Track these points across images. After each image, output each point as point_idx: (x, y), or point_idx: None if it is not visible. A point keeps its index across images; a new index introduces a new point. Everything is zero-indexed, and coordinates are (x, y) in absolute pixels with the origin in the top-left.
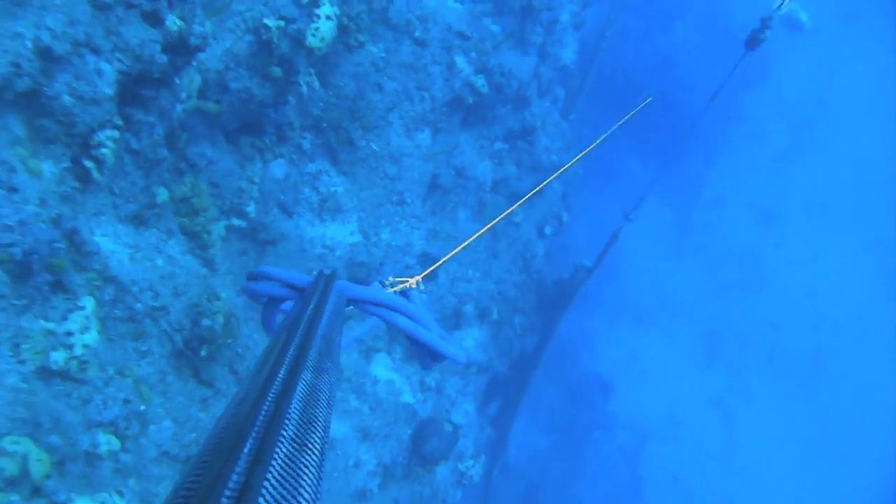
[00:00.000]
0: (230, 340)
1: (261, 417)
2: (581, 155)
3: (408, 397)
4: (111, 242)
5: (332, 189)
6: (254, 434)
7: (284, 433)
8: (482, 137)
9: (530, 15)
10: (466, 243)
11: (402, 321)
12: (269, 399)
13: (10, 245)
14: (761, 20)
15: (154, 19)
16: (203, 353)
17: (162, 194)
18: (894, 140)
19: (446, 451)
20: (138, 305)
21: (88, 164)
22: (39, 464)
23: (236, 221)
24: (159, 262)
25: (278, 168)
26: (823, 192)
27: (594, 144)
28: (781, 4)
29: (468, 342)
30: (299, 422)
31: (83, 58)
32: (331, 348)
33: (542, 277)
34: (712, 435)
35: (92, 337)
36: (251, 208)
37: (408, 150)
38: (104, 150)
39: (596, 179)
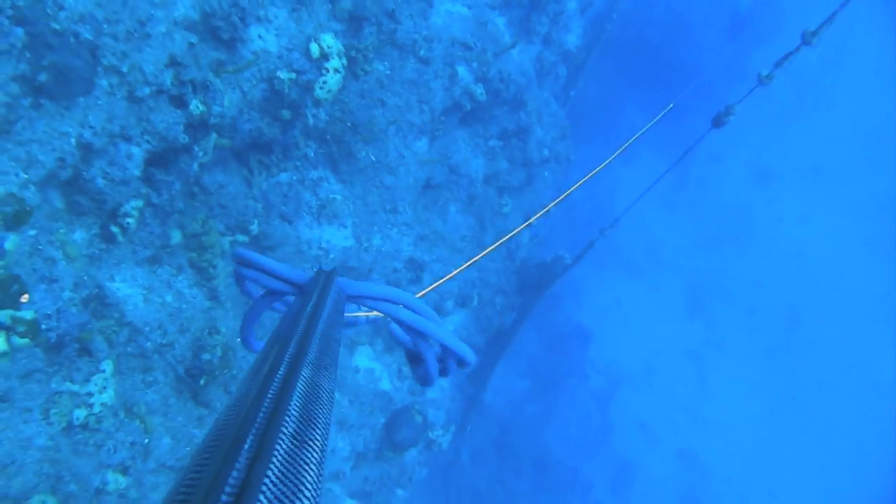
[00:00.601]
0: (226, 370)
1: (261, 414)
2: (587, 178)
3: (386, 385)
4: (128, 287)
5: (332, 196)
6: (254, 431)
7: (285, 430)
8: (478, 136)
9: (537, 6)
10: (473, 261)
11: (404, 314)
12: (270, 396)
13: (48, 331)
14: (726, 106)
15: (179, 102)
16: (202, 381)
17: (176, 236)
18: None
19: (416, 440)
20: (148, 344)
21: (115, 229)
22: None
23: (241, 237)
24: (169, 298)
25: (283, 175)
26: (820, 153)
27: (601, 167)
28: (769, 74)
29: (448, 326)
30: (299, 418)
31: (117, 146)
32: (330, 345)
33: (526, 259)
34: (684, 385)
35: (109, 396)
36: (255, 226)
37: (405, 159)
38: (129, 219)
39: (596, 132)
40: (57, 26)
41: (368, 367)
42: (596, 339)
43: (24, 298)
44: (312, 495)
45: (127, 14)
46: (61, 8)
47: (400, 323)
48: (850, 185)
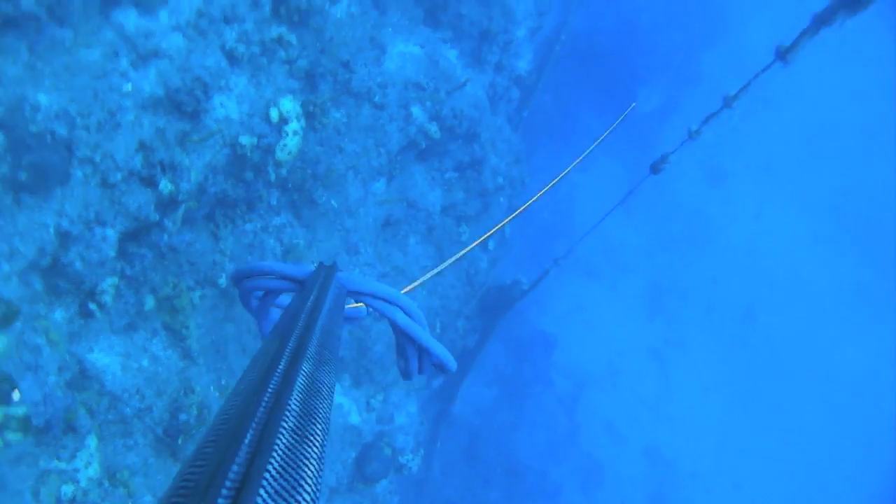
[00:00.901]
0: (203, 427)
1: (261, 409)
2: (545, 189)
3: (355, 418)
4: (106, 356)
5: (295, 241)
6: (254, 425)
7: (285, 424)
8: (434, 169)
9: (488, 37)
10: (440, 269)
11: (400, 317)
12: (270, 390)
13: (37, 416)
14: (662, 155)
15: (150, 182)
16: (179, 441)
17: (149, 302)
18: (845, 103)
19: (386, 471)
20: (127, 410)
21: (93, 306)
22: None
23: (209, 291)
24: (145, 362)
25: (248, 226)
26: (770, 151)
27: (556, 179)
28: (698, 130)
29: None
30: (300, 413)
31: (92, 231)
32: (331, 339)
33: (485, 283)
34: (647, 384)
35: (94, 469)
36: (223, 280)
37: (364, 201)
38: (106, 296)
39: (554, 140)
40: (34, 129)
41: (337, 402)
42: (559, 344)
43: (16, 395)
44: (312, 489)
45: (98, 106)
46: (37, 110)
47: (394, 324)
48: (800, 183)
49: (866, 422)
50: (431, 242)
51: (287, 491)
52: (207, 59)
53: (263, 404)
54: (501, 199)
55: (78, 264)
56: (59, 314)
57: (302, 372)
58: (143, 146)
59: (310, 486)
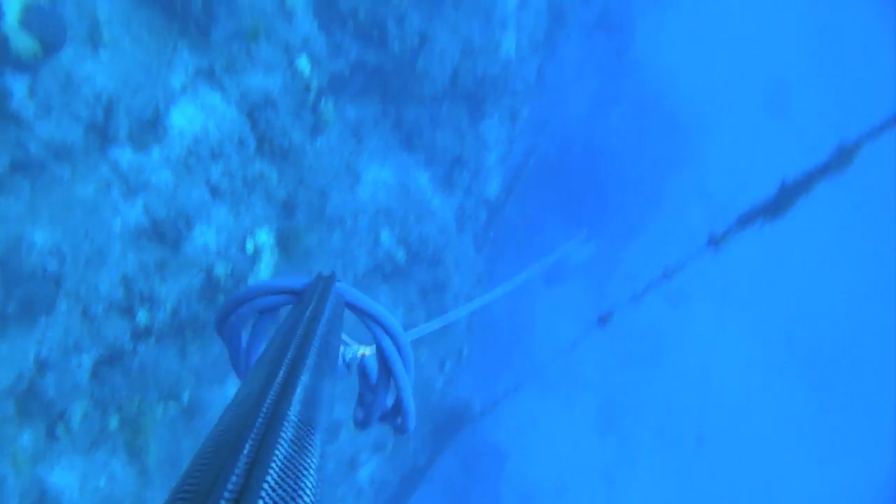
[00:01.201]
0: None
1: (259, 419)
2: (497, 291)
3: None
4: (66, 475)
5: None
6: (252, 436)
7: (284, 435)
8: (398, 290)
9: (459, 162)
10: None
11: (387, 345)
12: (268, 401)
13: None
14: (607, 311)
15: (127, 312)
16: None
17: (114, 422)
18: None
19: None
20: None
21: (60, 430)
22: None
23: (172, 406)
24: (102, 482)
25: (215, 343)
26: (729, 277)
27: (508, 285)
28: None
29: (362, 475)
30: (298, 423)
31: (69, 358)
32: (329, 350)
33: (438, 403)
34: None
35: None
36: (186, 395)
37: None
38: (74, 420)
39: (519, 253)
40: (29, 265)
41: None
42: (511, 458)
43: None
44: (311, 500)
45: (88, 243)
46: (33, 247)
47: (381, 351)
48: (756, 309)
49: None
50: None
51: (286, 501)
52: (192, 192)
53: (262, 415)
54: (461, 318)
55: (52, 390)
56: (26, 436)
57: (301, 382)
58: (125, 279)
59: (308, 496)
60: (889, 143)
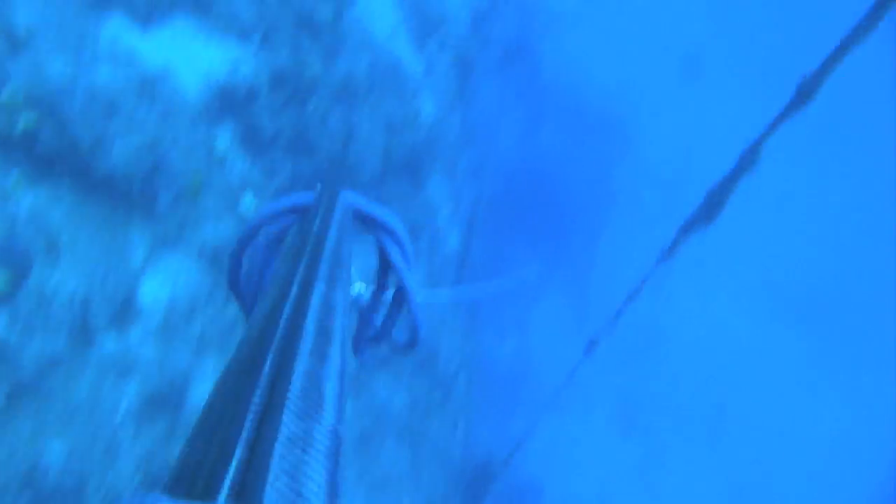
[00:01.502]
0: None
1: (278, 334)
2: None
3: None
4: None
5: None
6: (273, 350)
7: (303, 347)
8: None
9: (414, 232)
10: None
11: (395, 255)
12: (286, 316)
13: None
14: (591, 340)
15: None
16: None
17: None
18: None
19: None
20: None
21: None
22: None
23: None
24: None
25: None
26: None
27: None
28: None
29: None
30: (316, 334)
31: None
32: (341, 259)
33: (460, 466)
34: None
35: None
36: None
37: None
38: None
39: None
40: (48, 486)
41: None
42: (548, 489)
43: None
44: (335, 410)
45: (98, 445)
46: (49, 468)
47: (384, 255)
48: (746, 275)
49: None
50: (405, 443)
51: (312, 409)
52: (179, 355)
53: (280, 329)
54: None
55: None
56: None
57: (316, 292)
58: (139, 463)
59: (332, 406)
60: (844, 73)
